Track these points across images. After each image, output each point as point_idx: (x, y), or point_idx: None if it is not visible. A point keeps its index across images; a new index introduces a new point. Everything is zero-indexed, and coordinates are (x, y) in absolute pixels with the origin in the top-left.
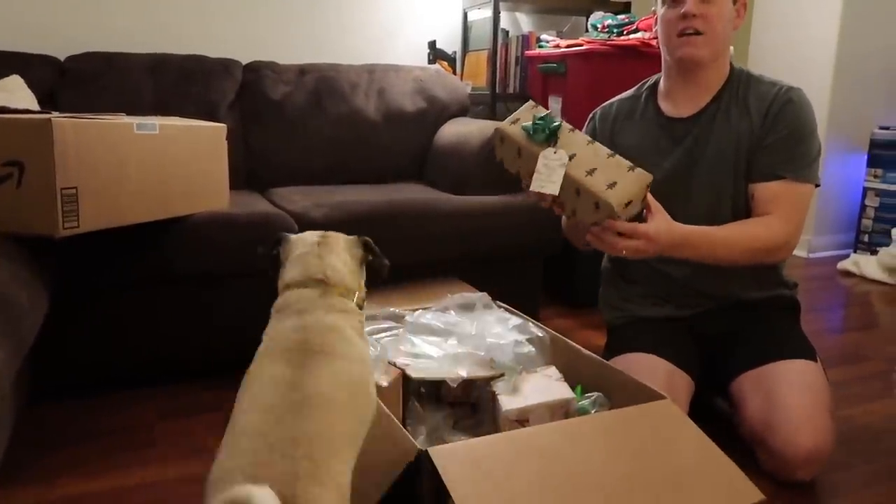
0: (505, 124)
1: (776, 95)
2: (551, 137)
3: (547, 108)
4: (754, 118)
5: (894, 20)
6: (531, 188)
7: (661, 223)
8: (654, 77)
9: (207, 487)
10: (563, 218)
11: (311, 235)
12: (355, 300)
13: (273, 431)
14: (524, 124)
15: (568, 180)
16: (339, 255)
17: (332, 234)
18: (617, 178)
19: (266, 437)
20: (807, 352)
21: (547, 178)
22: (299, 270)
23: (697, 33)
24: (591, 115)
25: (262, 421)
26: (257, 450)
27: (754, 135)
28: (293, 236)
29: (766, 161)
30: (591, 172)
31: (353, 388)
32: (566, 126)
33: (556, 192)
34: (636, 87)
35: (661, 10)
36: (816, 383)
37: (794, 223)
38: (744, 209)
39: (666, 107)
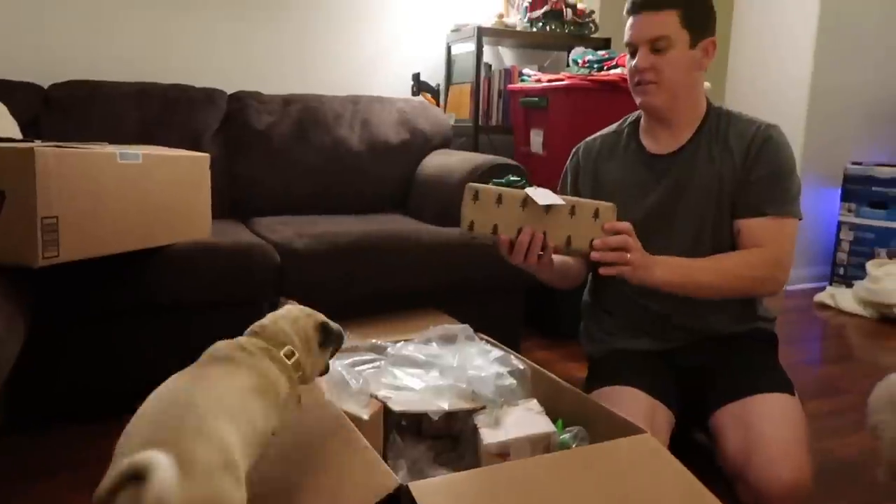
0: (474, 183)
1: (755, 133)
2: (525, 184)
3: (529, 141)
4: (736, 156)
5: (867, 57)
6: (539, 202)
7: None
8: (637, 113)
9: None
10: (539, 269)
11: (292, 308)
12: (284, 352)
13: (167, 410)
14: (494, 181)
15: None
16: (297, 322)
17: (305, 310)
18: (596, 204)
19: (160, 415)
20: (785, 385)
21: (545, 196)
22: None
23: (651, 83)
24: (574, 150)
25: (158, 407)
26: (152, 425)
27: (737, 172)
28: (308, 312)
29: (750, 199)
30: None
31: (247, 392)
32: None
33: (562, 202)
34: (619, 122)
35: (627, 59)
36: (795, 417)
37: (782, 257)
38: (726, 246)
39: (648, 143)
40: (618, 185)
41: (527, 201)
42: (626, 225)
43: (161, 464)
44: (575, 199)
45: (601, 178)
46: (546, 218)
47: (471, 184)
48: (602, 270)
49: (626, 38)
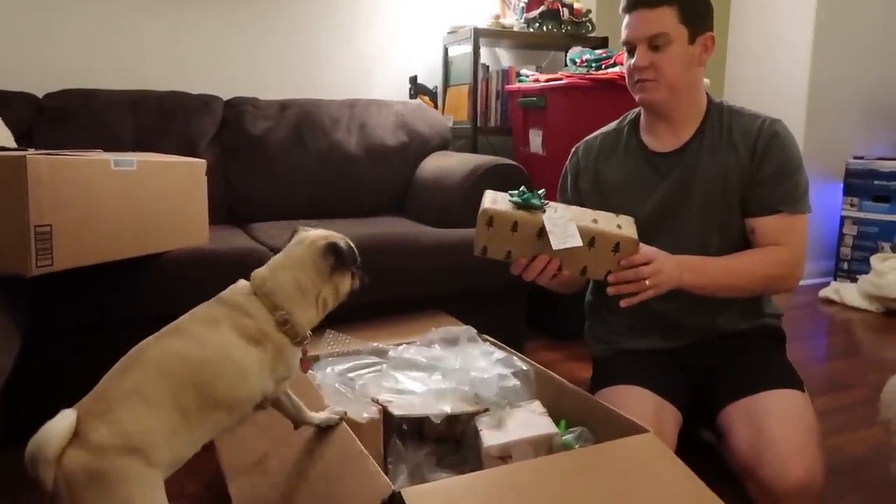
0: (488, 206)
1: (760, 129)
2: (543, 204)
3: (528, 141)
4: (741, 153)
5: (865, 50)
6: (554, 247)
7: (656, 249)
8: (636, 111)
9: None
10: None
11: (306, 237)
12: (281, 313)
13: (104, 384)
14: (511, 199)
15: (581, 232)
16: (295, 270)
17: (312, 239)
18: (618, 222)
19: (98, 388)
20: (794, 381)
21: (563, 234)
22: (264, 266)
23: (651, 80)
24: (573, 150)
25: (105, 378)
26: (90, 396)
27: (744, 170)
28: (302, 232)
29: (762, 197)
30: (595, 222)
31: (191, 366)
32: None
33: (581, 244)
34: (618, 120)
35: (624, 58)
36: (805, 414)
37: (800, 252)
38: (735, 243)
39: (649, 140)
40: (620, 184)
41: (543, 232)
42: (642, 257)
43: (58, 419)
44: (592, 217)
45: (602, 176)
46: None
47: (485, 208)
48: (623, 303)
49: (623, 36)
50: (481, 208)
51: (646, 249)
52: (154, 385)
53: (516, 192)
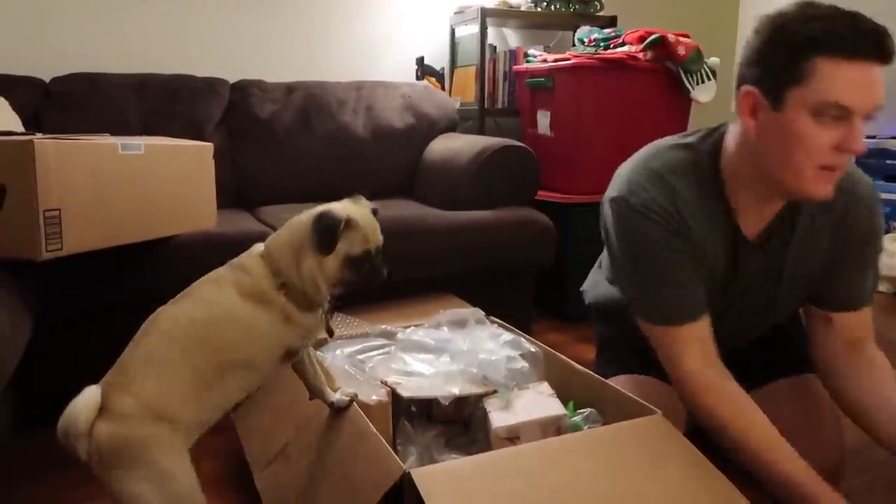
0: None
1: (846, 198)
2: None
3: (536, 122)
4: (824, 231)
5: None
6: None
7: None
8: (705, 145)
9: None
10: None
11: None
12: (281, 278)
13: (124, 355)
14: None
15: None
16: (292, 236)
17: (322, 208)
18: None
19: (120, 359)
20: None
21: None
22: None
23: (840, 168)
24: (643, 213)
25: (127, 349)
26: (114, 369)
27: (825, 254)
28: (325, 207)
29: (843, 292)
30: None
31: (196, 326)
32: None
33: None
34: (690, 158)
35: (802, 120)
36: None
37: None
38: (788, 315)
39: (742, 221)
40: (707, 259)
41: None
42: None
43: (84, 394)
44: None
45: (693, 236)
46: None
47: None
48: None
49: (834, 96)
50: None
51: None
52: (166, 349)
53: None
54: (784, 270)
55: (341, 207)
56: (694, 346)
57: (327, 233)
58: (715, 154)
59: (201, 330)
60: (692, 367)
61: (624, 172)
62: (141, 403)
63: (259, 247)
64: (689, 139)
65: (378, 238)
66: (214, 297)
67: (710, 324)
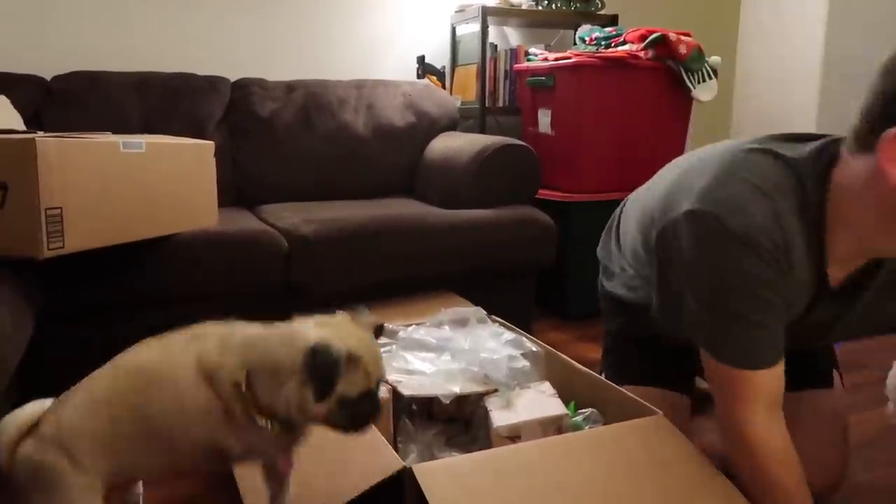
0: None
1: None
2: None
3: (537, 121)
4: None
5: (879, 25)
6: None
7: None
8: (813, 187)
9: None
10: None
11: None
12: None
13: (81, 384)
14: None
15: None
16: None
17: (317, 348)
18: None
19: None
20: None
21: None
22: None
23: None
24: (744, 242)
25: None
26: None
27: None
28: (321, 339)
29: None
30: None
31: (138, 376)
32: None
33: None
34: (798, 206)
35: None
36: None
37: None
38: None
39: (831, 270)
40: (794, 305)
41: None
42: None
43: (25, 407)
44: None
45: (793, 275)
46: None
47: None
48: None
49: None
50: None
51: None
52: (105, 386)
53: None
54: (849, 317)
55: (338, 335)
56: (761, 394)
57: (324, 375)
58: (822, 181)
59: (139, 380)
60: (750, 417)
61: (702, 180)
62: (56, 429)
63: (255, 332)
64: (788, 152)
65: (381, 372)
66: (175, 356)
67: (783, 368)
